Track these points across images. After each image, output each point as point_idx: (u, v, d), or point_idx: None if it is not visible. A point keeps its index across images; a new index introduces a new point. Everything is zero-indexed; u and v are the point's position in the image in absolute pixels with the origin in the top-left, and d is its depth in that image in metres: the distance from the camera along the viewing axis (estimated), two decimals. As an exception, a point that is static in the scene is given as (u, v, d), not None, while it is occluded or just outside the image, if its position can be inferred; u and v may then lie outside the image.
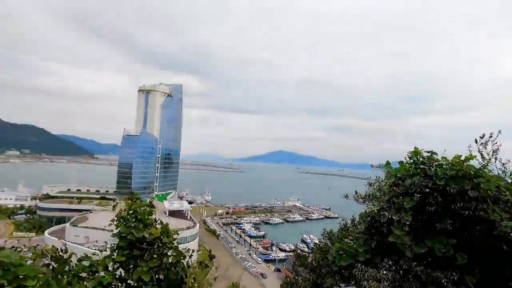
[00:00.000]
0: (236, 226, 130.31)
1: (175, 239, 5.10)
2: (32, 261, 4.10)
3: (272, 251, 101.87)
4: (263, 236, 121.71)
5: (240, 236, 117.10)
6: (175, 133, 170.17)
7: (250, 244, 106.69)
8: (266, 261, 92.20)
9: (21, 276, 3.68)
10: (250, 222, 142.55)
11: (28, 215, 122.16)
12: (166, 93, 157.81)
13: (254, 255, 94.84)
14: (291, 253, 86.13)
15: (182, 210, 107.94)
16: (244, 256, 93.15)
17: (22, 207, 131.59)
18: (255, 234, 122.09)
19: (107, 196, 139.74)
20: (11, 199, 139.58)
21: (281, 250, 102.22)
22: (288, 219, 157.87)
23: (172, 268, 4.74)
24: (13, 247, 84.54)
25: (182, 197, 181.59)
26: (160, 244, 4.77)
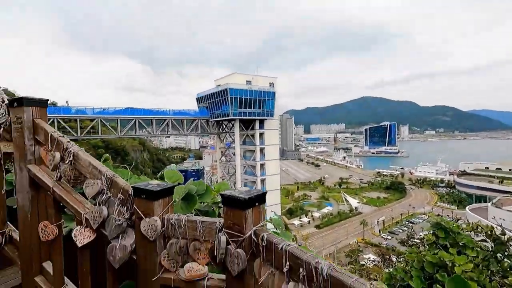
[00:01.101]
0: None
1: None
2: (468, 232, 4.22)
3: None
4: None
5: None
6: None
7: None
8: None
9: (460, 244, 3.93)
10: None
11: (447, 188, 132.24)
12: None
13: None
14: None
15: None
16: None
17: (442, 180, 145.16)
18: None
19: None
20: (432, 172, 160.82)
21: None
22: None
23: None
24: (438, 214, 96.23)
25: None
26: None
